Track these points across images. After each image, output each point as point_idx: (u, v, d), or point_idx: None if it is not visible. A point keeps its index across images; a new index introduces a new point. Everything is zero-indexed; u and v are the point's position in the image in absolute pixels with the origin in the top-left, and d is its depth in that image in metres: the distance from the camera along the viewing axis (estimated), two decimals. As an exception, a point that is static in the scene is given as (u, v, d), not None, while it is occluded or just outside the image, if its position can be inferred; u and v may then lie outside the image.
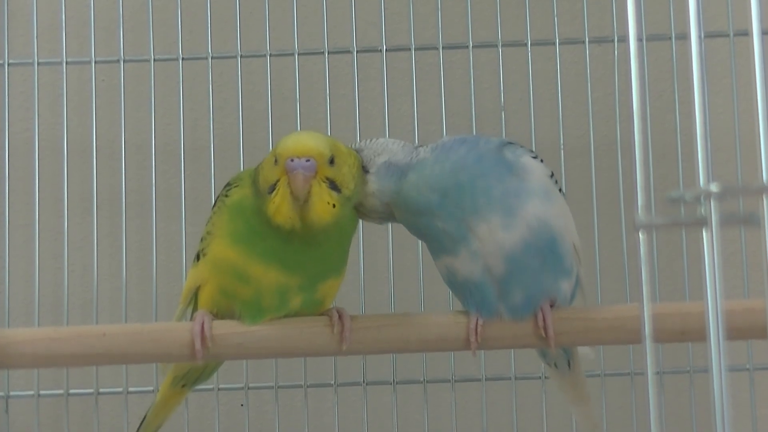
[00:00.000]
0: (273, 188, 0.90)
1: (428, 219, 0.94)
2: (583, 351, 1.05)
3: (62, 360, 0.97)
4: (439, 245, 0.96)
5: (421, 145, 0.98)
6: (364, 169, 0.95)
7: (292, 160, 0.89)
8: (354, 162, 0.94)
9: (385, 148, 0.97)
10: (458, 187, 0.93)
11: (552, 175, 0.97)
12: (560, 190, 0.98)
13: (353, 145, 0.99)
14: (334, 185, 0.91)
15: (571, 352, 1.03)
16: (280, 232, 0.91)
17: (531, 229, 0.93)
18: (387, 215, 0.98)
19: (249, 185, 0.95)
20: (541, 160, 0.97)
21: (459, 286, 0.97)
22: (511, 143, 0.97)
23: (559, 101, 1.32)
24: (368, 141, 0.99)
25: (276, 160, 0.90)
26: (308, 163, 0.89)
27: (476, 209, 0.92)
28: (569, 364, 1.04)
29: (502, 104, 1.33)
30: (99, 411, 1.30)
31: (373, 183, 0.95)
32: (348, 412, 1.34)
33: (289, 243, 0.92)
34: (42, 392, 1.30)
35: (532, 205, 0.93)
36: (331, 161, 0.91)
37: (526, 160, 0.95)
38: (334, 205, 0.90)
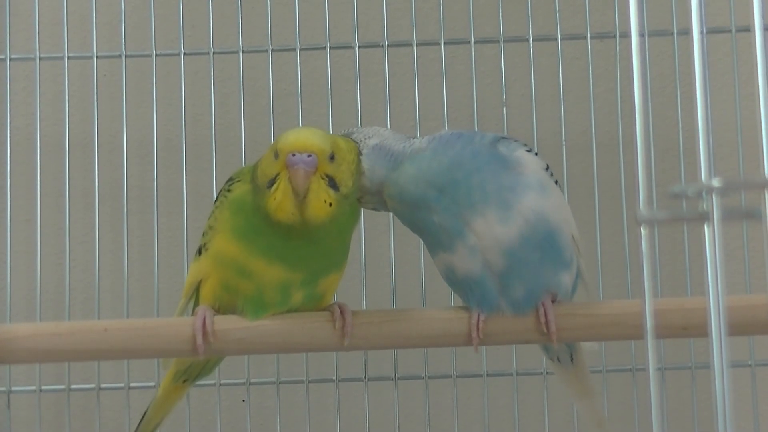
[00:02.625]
0: (272, 183, 0.90)
1: (425, 213, 0.94)
2: (587, 344, 1.05)
3: (64, 355, 0.97)
4: (435, 240, 0.95)
5: (413, 137, 0.98)
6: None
7: (293, 155, 0.88)
8: (353, 158, 0.93)
9: (376, 133, 0.98)
10: (454, 183, 0.93)
11: (547, 168, 0.97)
12: (556, 182, 0.97)
13: (343, 131, 0.99)
14: (332, 182, 0.90)
15: (574, 346, 1.03)
16: (279, 227, 0.91)
17: (528, 222, 0.92)
18: (379, 200, 0.97)
19: (251, 180, 0.95)
20: (536, 154, 0.97)
21: (459, 284, 0.96)
22: (505, 138, 0.97)
23: (561, 97, 1.32)
24: (359, 128, 0.99)
25: (276, 155, 0.90)
26: (309, 158, 0.89)
27: (472, 204, 0.92)
28: (572, 359, 1.04)
29: (504, 100, 1.33)
30: (100, 406, 1.30)
31: (365, 162, 0.95)
32: (350, 407, 1.34)
33: (289, 238, 0.92)
34: (43, 387, 1.30)
35: (528, 198, 0.93)
36: (331, 158, 0.91)
37: (520, 153, 0.95)
38: (330, 204, 0.90)
